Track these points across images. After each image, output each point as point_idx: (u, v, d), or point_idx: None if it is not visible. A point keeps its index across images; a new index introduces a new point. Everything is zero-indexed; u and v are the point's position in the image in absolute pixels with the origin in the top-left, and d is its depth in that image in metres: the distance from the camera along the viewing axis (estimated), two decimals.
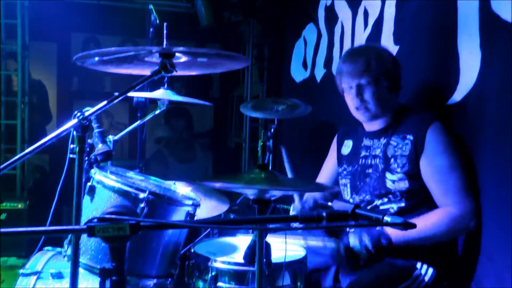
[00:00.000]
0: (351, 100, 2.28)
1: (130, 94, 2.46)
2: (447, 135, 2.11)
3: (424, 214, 2.10)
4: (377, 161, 2.24)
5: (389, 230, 2.08)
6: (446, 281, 2.14)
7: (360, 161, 2.33)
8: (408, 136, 2.15)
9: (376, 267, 2.11)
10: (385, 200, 2.20)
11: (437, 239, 2.06)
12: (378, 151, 2.26)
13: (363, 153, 2.33)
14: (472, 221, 2.02)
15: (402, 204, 2.16)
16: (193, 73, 2.08)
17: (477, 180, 2.06)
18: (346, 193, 2.37)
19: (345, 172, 2.42)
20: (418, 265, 2.11)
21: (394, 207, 2.17)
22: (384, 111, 2.25)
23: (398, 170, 2.15)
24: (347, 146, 2.46)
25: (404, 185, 2.14)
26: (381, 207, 2.20)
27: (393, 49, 2.63)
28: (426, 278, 2.09)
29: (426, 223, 2.04)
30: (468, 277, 2.08)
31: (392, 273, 2.10)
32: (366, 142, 2.34)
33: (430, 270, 2.10)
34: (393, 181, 2.16)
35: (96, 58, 1.73)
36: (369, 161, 2.29)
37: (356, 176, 2.33)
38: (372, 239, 2.06)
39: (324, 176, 2.63)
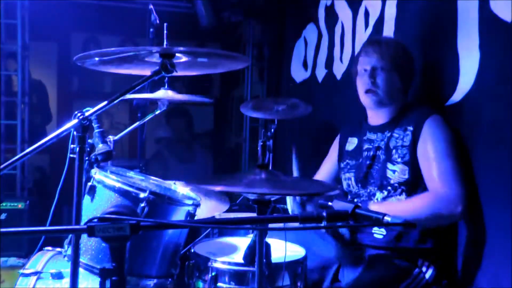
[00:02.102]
0: (362, 83, 2.32)
1: (131, 95, 2.47)
2: (444, 127, 2.13)
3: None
4: (380, 152, 2.27)
5: (374, 207, 2.09)
6: (446, 280, 2.14)
7: (364, 153, 2.36)
8: (409, 128, 2.18)
9: (376, 266, 2.12)
10: (385, 193, 2.21)
11: (421, 223, 2.03)
12: (381, 143, 2.28)
13: (365, 146, 2.36)
14: (458, 207, 2.01)
15: (403, 197, 2.16)
16: (193, 73, 2.08)
17: (474, 176, 2.06)
18: (352, 187, 2.39)
19: (348, 167, 2.44)
20: (418, 264, 2.11)
21: (394, 200, 2.18)
22: (391, 101, 2.28)
23: (399, 160, 2.17)
24: (352, 143, 2.48)
25: (403, 176, 2.15)
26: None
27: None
28: (427, 276, 2.09)
29: (410, 205, 2.08)
30: (469, 277, 2.08)
31: (392, 272, 2.10)
32: (370, 135, 2.36)
33: (430, 269, 2.10)
34: (394, 171, 2.18)
35: (96, 59, 1.73)
36: (371, 153, 2.31)
37: (360, 169, 2.35)
38: None
39: (323, 173, 2.65)
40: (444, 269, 2.13)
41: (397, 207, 2.11)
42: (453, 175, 2.05)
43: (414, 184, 2.15)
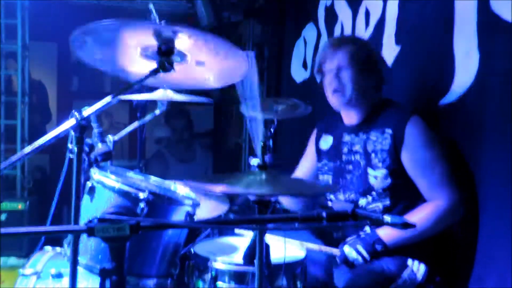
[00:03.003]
0: (329, 84, 2.29)
1: (129, 96, 2.47)
2: (426, 129, 2.12)
3: (411, 210, 2.10)
4: (358, 157, 2.25)
5: (381, 233, 2.10)
6: (439, 277, 2.14)
7: (343, 157, 2.33)
8: (387, 130, 2.16)
9: (368, 267, 2.12)
10: (370, 198, 2.19)
11: (428, 234, 2.07)
12: (358, 147, 2.26)
13: (345, 149, 2.33)
14: (460, 210, 2.06)
15: (387, 202, 2.16)
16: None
17: (473, 177, 2.07)
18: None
19: (326, 168, 2.41)
20: (410, 262, 2.11)
21: (379, 205, 2.18)
22: (361, 100, 2.25)
23: (380, 165, 2.15)
24: (326, 141, 2.44)
25: (386, 181, 2.14)
26: (367, 207, 2.19)
27: (395, 49, 2.64)
28: (418, 274, 2.09)
29: (416, 220, 2.05)
30: (465, 274, 2.08)
31: (385, 272, 2.10)
32: (346, 137, 2.33)
33: (422, 267, 2.10)
34: (376, 177, 2.16)
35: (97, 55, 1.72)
36: (351, 157, 2.29)
37: (338, 173, 2.33)
38: (366, 247, 2.08)
39: (302, 170, 2.61)
40: (435, 265, 2.12)
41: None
42: (448, 181, 2.07)
43: (398, 187, 2.14)
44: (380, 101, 2.29)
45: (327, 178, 2.38)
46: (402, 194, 2.14)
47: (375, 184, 2.17)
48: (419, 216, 2.06)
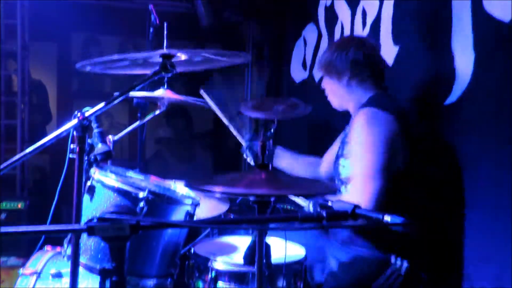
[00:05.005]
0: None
1: (131, 94, 2.47)
2: (365, 121, 2.10)
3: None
4: (340, 149, 2.32)
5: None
6: (424, 273, 2.13)
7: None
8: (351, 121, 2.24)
9: (351, 262, 2.13)
10: (342, 188, 2.23)
11: None
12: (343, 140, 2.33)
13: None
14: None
15: (344, 191, 2.20)
16: (193, 69, 2.08)
17: (463, 185, 2.07)
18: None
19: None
20: (392, 258, 2.12)
21: (342, 193, 2.22)
22: (345, 102, 2.33)
23: (348, 156, 2.21)
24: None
25: (348, 171, 2.19)
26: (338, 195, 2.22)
27: (393, 49, 2.64)
28: (402, 271, 2.10)
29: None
30: (455, 272, 2.08)
31: (368, 268, 2.12)
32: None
33: (404, 263, 2.11)
34: (343, 166, 2.23)
35: (96, 64, 1.73)
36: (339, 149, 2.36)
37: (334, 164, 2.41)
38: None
39: (330, 153, 2.65)
40: (416, 261, 2.11)
41: None
42: (365, 176, 2.04)
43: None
44: (373, 96, 2.27)
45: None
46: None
47: (342, 173, 2.24)
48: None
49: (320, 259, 2.28)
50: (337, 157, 2.31)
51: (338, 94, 2.32)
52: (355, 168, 2.10)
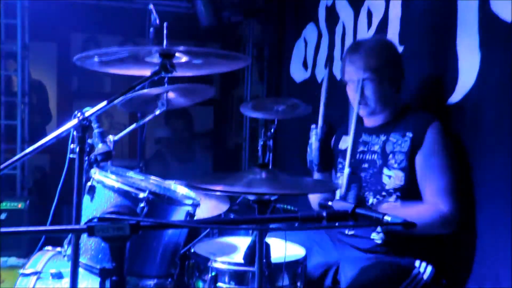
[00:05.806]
0: (352, 95, 2.30)
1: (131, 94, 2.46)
2: (445, 136, 2.13)
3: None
4: (375, 156, 2.25)
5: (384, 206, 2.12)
6: (445, 279, 2.14)
7: (357, 155, 2.33)
8: (407, 133, 2.17)
9: (375, 267, 2.12)
10: (380, 198, 2.20)
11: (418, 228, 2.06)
12: (376, 147, 2.26)
13: (360, 148, 2.33)
14: (454, 223, 2.05)
15: (398, 204, 2.16)
16: (193, 73, 2.08)
17: (472, 185, 2.07)
18: (343, 188, 2.36)
19: (340, 166, 2.42)
20: (417, 263, 2.11)
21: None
22: (384, 108, 2.27)
23: (395, 166, 2.16)
24: (346, 142, 2.45)
25: (399, 182, 2.15)
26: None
27: (398, 49, 2.64)
28: (425, 276, 2.09)
29: (412, 210, 2.07)
30: (465, 275, 2.08)
31: (392, 272, 2.10)
32: (365, 137, 2.34)
33: (429, 268, 2.10)
34: (389, 177, 2.17)
35: (96, 59, 1.72)
36: (367, 156, 2.29)
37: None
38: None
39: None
40: (443, 267, 2.13)
41: (402, 211, 2.10)
42: (454, 193, 2.06)
43: (409, 190, 2.14)
44: (401, 105, 2.30)
45: (340, 175, 2.39)
46: (410, 197, 2.14)
47: (388, 184, 2.17)
48: (419, 209, 2.07)
49: (332, 263, 2.29)
50: (375, 166, 2.23)
51: (384, 96, 2.24)
52: (438, 181, 2.08)
